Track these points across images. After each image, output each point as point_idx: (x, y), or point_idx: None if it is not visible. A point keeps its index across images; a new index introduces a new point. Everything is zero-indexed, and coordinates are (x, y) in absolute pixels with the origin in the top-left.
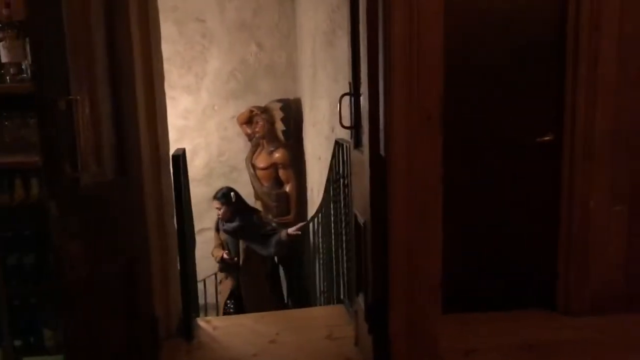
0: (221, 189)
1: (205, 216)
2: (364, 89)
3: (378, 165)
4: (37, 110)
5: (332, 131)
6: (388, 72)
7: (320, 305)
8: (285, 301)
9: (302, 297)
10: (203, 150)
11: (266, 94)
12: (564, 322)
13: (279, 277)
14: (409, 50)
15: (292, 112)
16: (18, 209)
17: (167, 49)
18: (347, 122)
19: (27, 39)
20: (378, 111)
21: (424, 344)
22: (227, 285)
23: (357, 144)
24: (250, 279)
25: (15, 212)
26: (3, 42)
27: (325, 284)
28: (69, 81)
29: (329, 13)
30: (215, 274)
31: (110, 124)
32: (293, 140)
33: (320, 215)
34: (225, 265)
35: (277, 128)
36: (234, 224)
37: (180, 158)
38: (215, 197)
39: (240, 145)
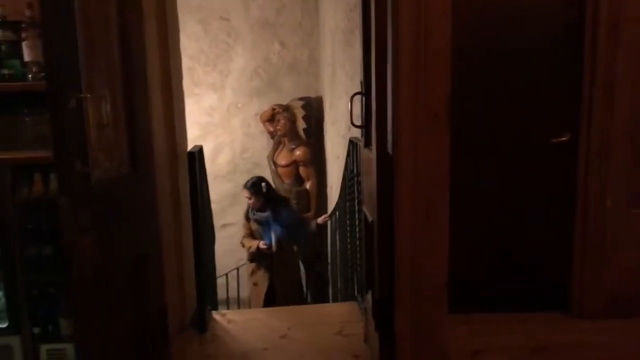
0: (251, 178)
1: (229, 212)
2: (372, 87)
3: (385, 163)
4: (48, 107)
5: (349, 130)
6: (395, 71)
7: (336, 301)
8: (305, 296)
9: (320, 293)
10: (227, 147)
11: (289, 92)
12: (577, 325)
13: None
14: (416, 49)
15: (314, 110)
16: (37, 202)
17: (192, 47)
18: (358, 121)
19: None
20: (386, 110)
21: (429, 343)
22: (261, 277)
23: (367, 142)
24: (284, 269)
25: (34, 205)
26: (26, 42)
27: (341, 280)
28: (80, 80)
29: (347, 12)
30: (238, 269)
31: (123, 121)
32: (314, 138)
33: (336, 213)
34: (257, 256)
35: (298, 126)
36: (266, 214)
37: (196, 155)
38: (245, 187)
39: (263, 143)
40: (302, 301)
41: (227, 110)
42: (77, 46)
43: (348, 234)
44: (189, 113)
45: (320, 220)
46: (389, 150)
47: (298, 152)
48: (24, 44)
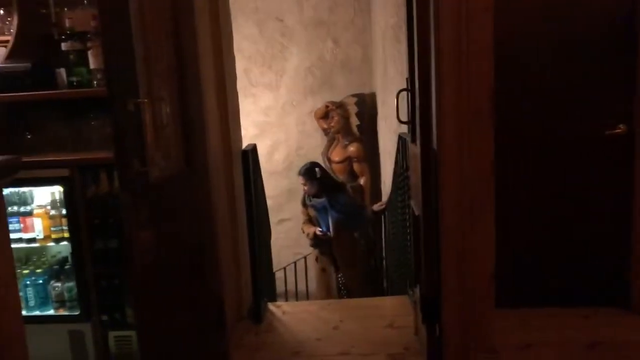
0: (305, 164)
1: (285, 207)
2: (416, 84)
3: (429, 158)
4: (109, 111)
5: (399, 126)
6: (438, 67)
7: (391, 295)
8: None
9: (374, 286)
10: (283, 145)
11: (342, 89)
12: (636, 321)
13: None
14: (458, 45)
15: (367, 106)
16: (103, 199)
17: (249, 48)
18: (405, 117)
19: None
20: (430, 106)
21: (476, 335)
22: (327, 263)
23: (414, 138)
24: (343, 253)
25: (100, 202)
26: (91, 51)
27: (396, 275)
28: (137, 85)
29: (396, 9)
30: (295, 263)
31: (179, 121)
32: (367, 134)
33: (388, 208)
34: (318, 241)
35: (351, 122)
36: (322, 200)
37: (249, 153)
38: (299, 173)
39: (317, 140)
40: (371, 288)
41: (282, 109)
42: (134, 54)
43: (400, 229)
44: (247, 113)
45: (375, 207)
46: (434, 145)
47: (351, 149)
48: (90, 53)
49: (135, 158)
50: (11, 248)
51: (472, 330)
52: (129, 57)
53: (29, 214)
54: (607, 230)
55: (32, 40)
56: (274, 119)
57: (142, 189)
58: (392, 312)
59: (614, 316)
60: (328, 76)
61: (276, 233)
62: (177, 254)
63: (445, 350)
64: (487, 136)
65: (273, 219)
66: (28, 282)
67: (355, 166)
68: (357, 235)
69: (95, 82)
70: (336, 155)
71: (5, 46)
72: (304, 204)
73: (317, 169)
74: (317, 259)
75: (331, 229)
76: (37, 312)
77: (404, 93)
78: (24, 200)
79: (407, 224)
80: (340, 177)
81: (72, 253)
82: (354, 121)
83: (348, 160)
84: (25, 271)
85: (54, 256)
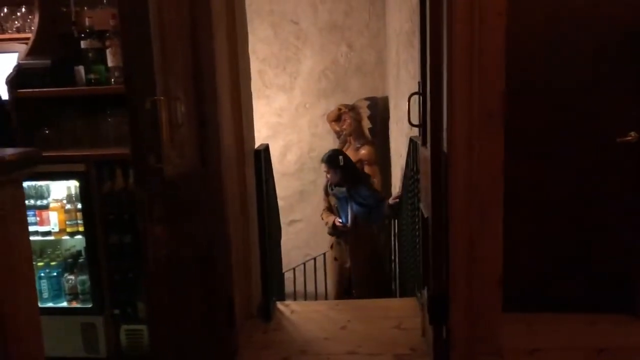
0: (328, 151)
1: (297, 209)
2: (427, 87)
3: (440, 161)
4: (127, 109)
5: (411, 129)
6: (450, 70)
7: (400, 297)
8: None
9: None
10: (295, 146)
11: (355, 93)
12: None
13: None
14: (470, 49)
15: (379, 110)
16: (118, 195)
17: (264, 50)
18: (416, 121)
19: None
20: (441, 109)
21: (483, 339)
22: (341, 252)
23: (424, 141)
24: (360, 249)
25: (116, 198)
26: (110, 49)
27: (405, 276)
28: (154, 83)
29: (410, 14)
30: (304, 264)
31: (194, 121)
32: (379, 138)
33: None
34: (336, 231)
35: (363, 126)
36: (343, 190)
37: (262, 153)
38: (322, 160)
39: (329, 142)
40: (381, 285)
41: (295, 110)
42: (152, 53)
43: (409, 231)
44: (261, 114)
45: (391, 200)
46: (444, 148)
47: (363, 151)
48: (108, 51)
49: (151, 155)
50: (29, 241)
51: (479, 333)
52: (147, 56)
53: (45, 207)
54: (614, 237)
55: (52, 38)
56: (287, 121)
57: (157, 186)
58: (400, 313)
59: (620, 322)
60: (342, 79)
61: (287, 234)
62: (189, 251)
63: (451, 353)
64: (498, 140)
65: (284, 219)
66: (42, 275)
67: (367, 169)
68: (376, 230)
69: (112, 80)
70: None
71: (26, 43)
72: (326, 192)
73: (340, 157)
74: (332, 247)
75: (349, 221)
76: (50, 304)
77: (416, 97)
78: (41, 194)
79: (417, 227)
80: None
81: (87, 247)
82: (366, 124)
83: (359, 162)
84: (40, 263)
85: (68, 249)
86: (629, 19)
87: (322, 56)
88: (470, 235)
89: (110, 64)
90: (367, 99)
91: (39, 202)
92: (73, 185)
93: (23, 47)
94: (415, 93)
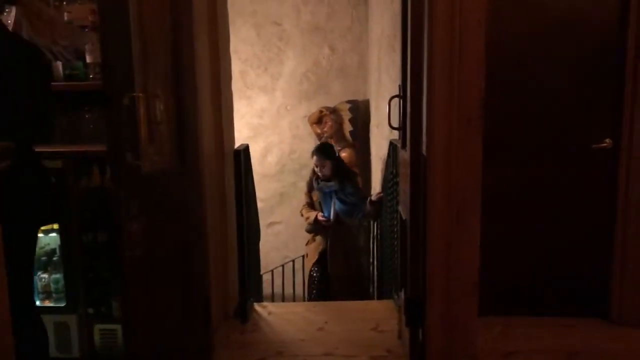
0: (319, 144)
1: (276, 210)
2: (408, 90)
3: (419, 164)
4: (104, 105)
5: (391, 132)
6: (430, 75)
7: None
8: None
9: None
10: (276, 148)
11: (337, 95)
12: (616, 332)
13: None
14: (450, 54)
15: (361, 113)
16: (94, 192)
17: (246, 51)
18: (396, 124)
19: None
20: (421, 112)
21: (459, 341)
22: (314, 247)
23: (404, 144)
24: (338, 243)
25: (92, 195)
26: (88, 45)
27: (383, 279)
28: (133, 80)
29: (392, 18)
30: (283, 266)
31: (173, 119)
32: (360, 141)
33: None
34: (314, 227)
35: (344, 128)
36: (331, 184)
37: (241, 153)
38: (315, 152)
39: (310, 144)
40: (359, 284)
41: (277, 112)
42: (131, 49)
43: (388, 234)
44: (242, 115)
45: (374, 197)
46: (423, 152)
47: (344, 154)
48: (87, 47)
49: (128, 151)
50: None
51: (455, 336)
52: (126, 52)
53: None
54: (590, 242)
55: None
56: (268, 122)
57: (134, 183)
58: (377, 315)
59: (594, 326)
60: (323, 82)
61: (266, 236)
62: (165, 250)
63: (427, 355)
64: (476, 144)
65: (263, 221)
66: None
67: None
68: (355, 231)
69: (91, 76)
70: None
71: None
72: (310, 187)
73: (332, 149)
74: (307, 243)
75: (332, 216)
76: None
77: (397, 100)
78: None
79: (395, 229)
80: None
81: (61, 245)
82: (347, 127)
83: None
84: None
85: (43, 247)
86: (605, 27)
87: (304, 58)
88: (448, 238)
89: (88, 59)
90: (348, 101)
91: None
92: None
93: None
94: (395, 96)
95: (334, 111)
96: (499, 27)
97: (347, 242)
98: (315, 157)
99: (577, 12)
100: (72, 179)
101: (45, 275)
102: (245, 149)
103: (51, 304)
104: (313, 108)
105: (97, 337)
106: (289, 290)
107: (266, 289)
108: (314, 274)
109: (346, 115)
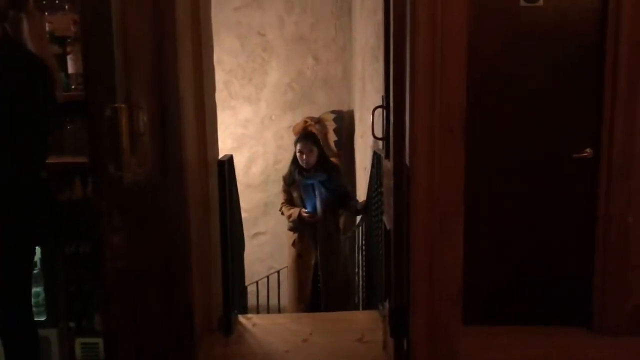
0: (302, 132)
1: (261, 221)
2: (391, 101)
3: (402, 174)
4: (86, 116)
5: (375, 143)
6: (412, 86)
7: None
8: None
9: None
10: (260, 158)
11: (321, 105)
12: (598, 341)
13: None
14: (432, 65)
15: (345, 123)
16: (76, 204)
17: (230, 61)
18: (379, 134)
19: None
20: (404, 123)
21: (444, 351)
22: (305, 249)
23: (387, 154)
24: (327, 238)
25: (74, 206)
26: (70, 55)
27: (365, 289)
28: (115, 91)
29: (376, 29)
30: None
31: (156, 129)
32: (345, 151)
33: (363, 224)
34: (298, 225)
35: (329, 138)
36: (320, 174)
37: (225, 164)
38: (300, 139)
39: None
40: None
41: (261, 122)
42: (113, 60)
43: (372, 244)
44: (226, 125)
45: (359, 206)
46: (407, 161)
47: None
48: (69, 58)
49: (110, 163)
50: None
51: (439, 345)
52: (109, 63)
53: None
54: (572, 251)
55: None
56: (252, 132)
57: (116, 195)
58: (362, 326)
59: (576, 335)
60: (308, 92)
61: (250, 247)
62: (148, 262)
63: None
64: (458, 154)
65: (248, 232)
66: None
67: None
68: (341, 224)
69: (73, 87)
70: None
71: None
72: (288, 183)
73: (317, 137)
74: (293, 243)
75: (319, 210)
76: None
77: (380, 110)
78: None
79: (380, 239)
80: None
81: (42, 257)
82: (332, 137)
83: None
84: None
85: None
86: (585, 38)
87: (288, 68)
88: (431, 248)
89: (70, 70)
90: (333, 112)
91: None
92: None
93: None
94: (379, 106)
95: (318, 121)
96: (480, 38)
97: (336, 236)
98: (300, 144)
99: (556, 23)
100: (55, 191)
101: None
102: (230, 160)
103: None
104: (297, 118)
105: (78, 351)
106: (274, 301)
107: (251, 300)
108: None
109: (330, 126)
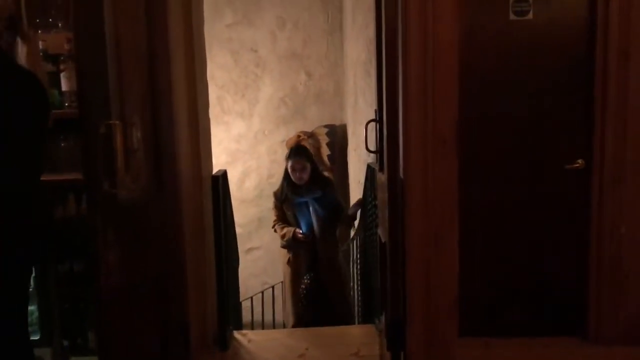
0: (293, 147)
1: (255, 236)
2: (384, 114)
3: (396, 186)
4: (81, 133)
5: (369, 156)
6: (405, 99)
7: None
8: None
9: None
10: (254, 173)
11: (314, 120)
12: (593, 351)
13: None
14: (424, 79)
15: (338, 137)
16: (70, 221)
17: (223, 77)
18: (373, 147)
19: None
20: (397, 136)
21: None
22: (301, 265)
23: (381, 167)
24: (328, 254)
25: (68, 223)
26: (64, 73)
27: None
28: (109, 108)
29: (367, 44)
30: (263, 292)
31: (150, 146)
32: (338, 165)
33: (357, 237)
34: (295, 243)
35: (322, 153)
36: (313, 191)
37: (219, 179)
38: (292, 154)
39: None
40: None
41: (254, 137)
42: (107, 77)
43: (368, 257)
44: (219, 140)
45: (350, 210)
46: (401, 174)
47: None
48: (62, 75)
49: (105, 179)
50: None
51: (436, 357)
52: (103, 81)
53: None
54: (566, 262)
55: None
56: (245, 147)
57: (111, 212)
58: (358, 340)
59: (572, 345)
60: (300, 107)
61: (245, 262)
62: (143, 278)
63: None
64: (452, 166)
65: (242, 247)
66: None
67: None
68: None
69: (66, 104)
70: None
71: None
72: (280, 199)
73: (309, 151)
74: (288, 262)
75: (316, 228)
76: None
77: (373, 124)
78: None
79: (375, 252)
80: None
81: (36, 276)
82: (325, 151)
83: None
84: None
85: None
86: (575, 50)
87: (281, 83)
88: (427, 260)
89: (64, 88)
90: (326, 126)
91: None
92: None
93: None
94: (372, 120)
95: (311, 135)
96: (472, 53)
97: (335, 249)
98: (292, 161)
99: (546, 36)
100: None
101: None
102: (224, 175)
103: None
104: (291, 133)
105: None
106: (268, 317)
107: (246, 316)
108: (304, 293)
109: (324, 140)
